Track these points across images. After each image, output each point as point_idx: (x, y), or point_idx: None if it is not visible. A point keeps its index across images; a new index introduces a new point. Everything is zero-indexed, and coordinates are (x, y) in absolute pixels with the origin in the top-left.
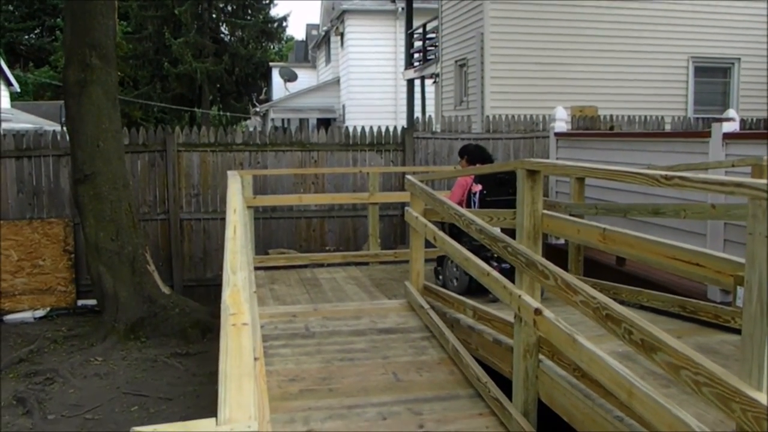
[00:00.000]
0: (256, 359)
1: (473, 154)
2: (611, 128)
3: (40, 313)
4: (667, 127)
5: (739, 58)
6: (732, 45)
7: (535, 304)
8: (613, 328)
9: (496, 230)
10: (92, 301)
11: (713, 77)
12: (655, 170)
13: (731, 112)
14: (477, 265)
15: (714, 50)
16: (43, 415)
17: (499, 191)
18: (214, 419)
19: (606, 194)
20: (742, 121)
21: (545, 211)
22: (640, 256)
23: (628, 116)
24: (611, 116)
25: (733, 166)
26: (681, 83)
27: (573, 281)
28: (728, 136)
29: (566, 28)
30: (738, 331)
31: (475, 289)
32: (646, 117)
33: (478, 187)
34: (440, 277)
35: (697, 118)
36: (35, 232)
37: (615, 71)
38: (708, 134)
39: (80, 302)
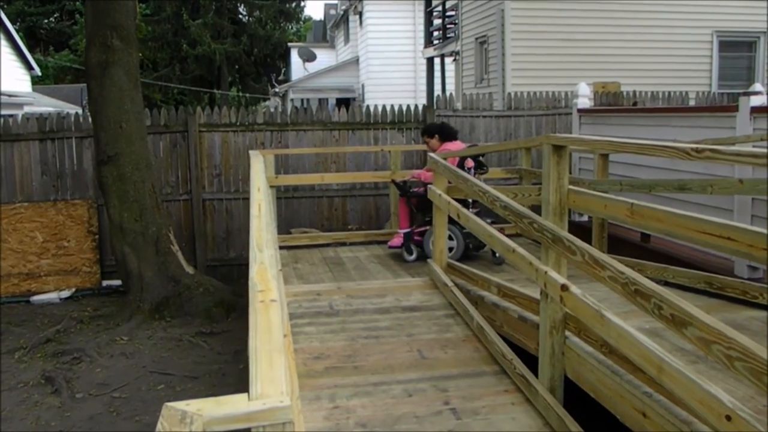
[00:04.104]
0: (284, 336)
1: (446, 131)
2: (634, 104)
3: (65, 293)
4: (692, 103)
5: (765, 32)
6: (757, 19)
7: (562, 280)
8: (643, 304)
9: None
10: (117, 282)
11: (738, 52)
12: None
13: (758, 86)
14: (502, 242)
15: (738, 24)
16: (71, 393)
17: (480, 165)
18: (246, 395)
19: (630, 170)
20: None
21: (571, 187)
22: (669, 231)
23: (652, 92)
24: (634, 92)
25: (761, 140)
26: (705, 58)
27: (601, 256)
28: (756, 110)
29: (588, 3)
30: (766, 308)
31: (471, 253)
32: (669, 93)
33: (471, 163)
34: (412, 252)
35: (722, 94)
36: (59, 213)
37: (638, 47)
38: (735, 108)
39: (105, 283)
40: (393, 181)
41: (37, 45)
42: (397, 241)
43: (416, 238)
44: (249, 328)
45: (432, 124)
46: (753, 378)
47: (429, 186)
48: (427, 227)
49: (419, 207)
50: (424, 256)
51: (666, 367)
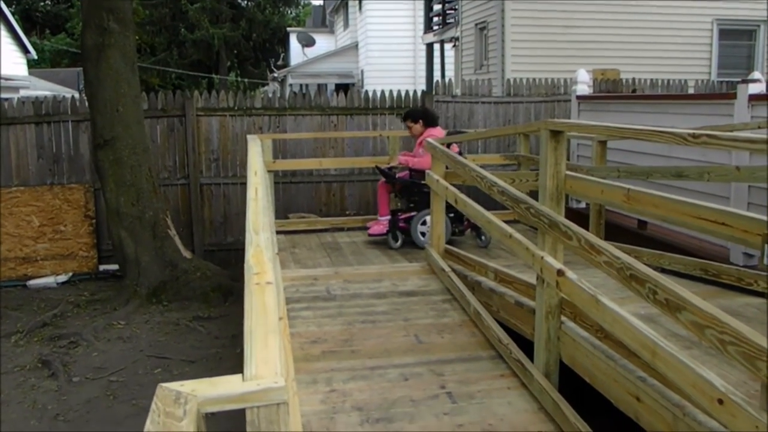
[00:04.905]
0: (279, 319)
1: (429, 116)
2: (633, 91)
3: (62, 278)
4: (691, 91)
5: (765, 21)
6: (757, 7)
7: (558, 265)
8: (638, 288)
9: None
10: (114, 266)
11: (738, 40)
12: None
13: (757, 74)
14: (499, 228)
15: (738, 12)
16: (68, 377)
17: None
18: (240, 376)
19: (628, 158)
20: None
21: (568, 172)
22: (665, 217)
23: (651, 80)
24: (634, 79)
25: (759, 127)
26: (705, 46)
27: (597, 242)
28: (754, 98)
29: None
30: (761, 294)
31: (455, 238)
32: (669, 80)
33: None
34: (398, 239)
35: (721, 82)
36: (56, 197)
37: (638, 34)
38: (733, 96)
39: (102, 267)
40: (377, 167)
41: (33, 28)
42: (378, 228)
43: (401, 225)
44: (244, 310)
45: (415, 109)
46: (745, 362)
47: (427, 171)
48: (412, 213)
49: (402, 193)
50: (408, 243)
51: (660, 351)
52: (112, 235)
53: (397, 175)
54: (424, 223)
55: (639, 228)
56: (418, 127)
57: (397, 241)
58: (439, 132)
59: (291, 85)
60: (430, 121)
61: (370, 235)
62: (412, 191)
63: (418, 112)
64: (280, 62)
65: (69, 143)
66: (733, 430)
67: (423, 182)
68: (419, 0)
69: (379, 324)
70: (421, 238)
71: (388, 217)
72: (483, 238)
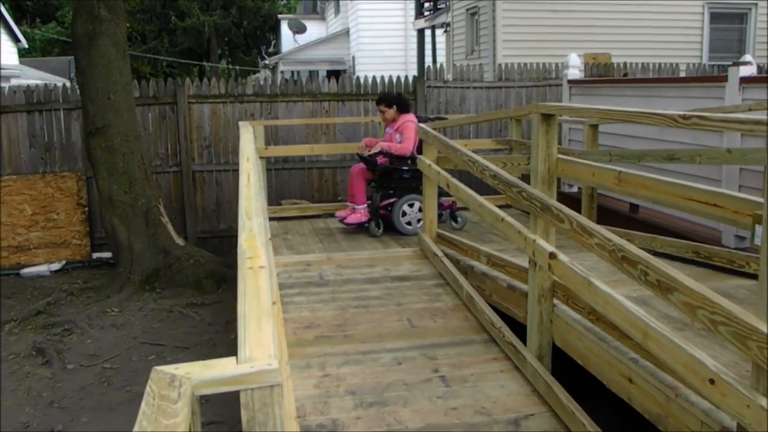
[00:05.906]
0: (273, 303)
1: (404, 102)
2: (625, 75)
3: (55, 266)
4: (682, 75)
5: (756, 4)
6: None
7: (550, 248)
8: (629, 270)
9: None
10: (107, 254)
11: (729, 23)
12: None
13: (748, 57)
14: (491, 212)
15: None
16: (62, 364)
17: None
18: (234, 358)
19: (620, 141)
20: (758, 68)
21: (560, 156)
22: (656, 199)
23: (642, 63)
24: (625, 63)
25: (750, 109)
26: (696, 30)
27: (588, 224)
28: (745, 80)
29: None
30: (752, 276)
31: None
32: (660, 64)
33: None
34: (380, 226)
35: (713, 65)
36: (48, 186)
37: (629, 18)
38: (724, 78)
39: (95, 255)
40: (358, 155)
41: (24, 17)
42: (356, 217)
43: (382, 212)
44: (237, 294)
45: (389, 94)
46: (736, 342)
47: (419, 157)
48: (392, 200)
49: (382, 180)
50: (390, 229)
51: (651, 332)
52: (105, 222)
53: (379, 163)
54: (404, 214)
55: (631, 211)
56: (391, 112)
57: (380, 228)
58: (412, 117)
59: (282, 72)
60: (404, 106)
61: (347, 224)
62: (392, 177)
63: (392, 97)
64: (271, 49)
65: (61, 131)
66: (725, 410)
67: (404, 168)
68: None
69: (372, 309)
70: (406, 226)
71: (365, 205)
72: (459, 220)
